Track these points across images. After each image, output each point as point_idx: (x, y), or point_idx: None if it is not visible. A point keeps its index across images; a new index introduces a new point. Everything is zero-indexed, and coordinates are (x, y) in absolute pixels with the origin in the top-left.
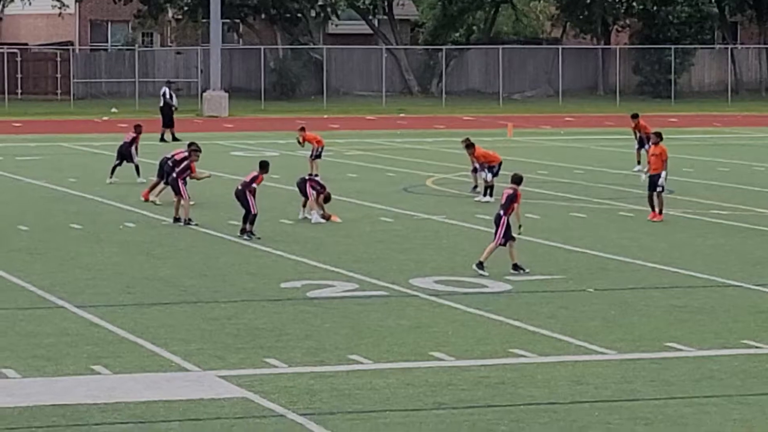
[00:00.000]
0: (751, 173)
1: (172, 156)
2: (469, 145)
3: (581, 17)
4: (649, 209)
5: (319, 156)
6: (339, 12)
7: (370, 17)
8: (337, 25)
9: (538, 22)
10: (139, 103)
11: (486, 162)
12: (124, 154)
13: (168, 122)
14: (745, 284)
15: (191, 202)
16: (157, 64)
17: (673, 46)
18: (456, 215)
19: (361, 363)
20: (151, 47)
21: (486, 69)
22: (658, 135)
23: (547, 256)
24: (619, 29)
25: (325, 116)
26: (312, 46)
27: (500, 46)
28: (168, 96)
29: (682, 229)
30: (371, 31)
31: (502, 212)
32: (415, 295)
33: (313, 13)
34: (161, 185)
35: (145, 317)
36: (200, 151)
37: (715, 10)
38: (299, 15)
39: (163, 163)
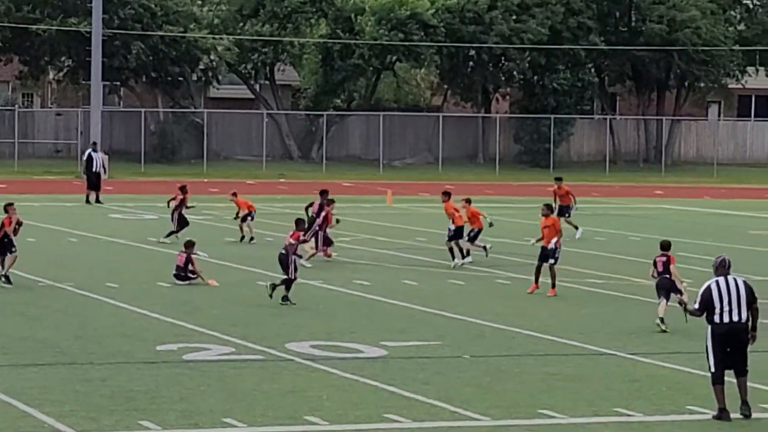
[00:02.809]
0: (628, 243)
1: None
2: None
3: (462, 85)
4: (533, 280)
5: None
6: (220, 76)
7: (252, 82)
8: (218, 89)
9: (419, 89)
10: (18, 164)
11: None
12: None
13: (92, 185)
14: (620, 353)
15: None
16: (36, 125)
17: (552, 116)
18: (334, 280)
19: (236, 426)
20: (31, 108)
21: (366, 135)
22: (549, 207)
23: (423, 322)
24: (500, 98)
25: (205, 180)
26: (193, 110)
27: (381, 113)
28: (86, 159)
29: (558, 298)
30: (252, 96)
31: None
32: (291, 359)
33: (194, 77)
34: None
35: (20, 378)
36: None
37: (595, 79)
38: (180, 78)
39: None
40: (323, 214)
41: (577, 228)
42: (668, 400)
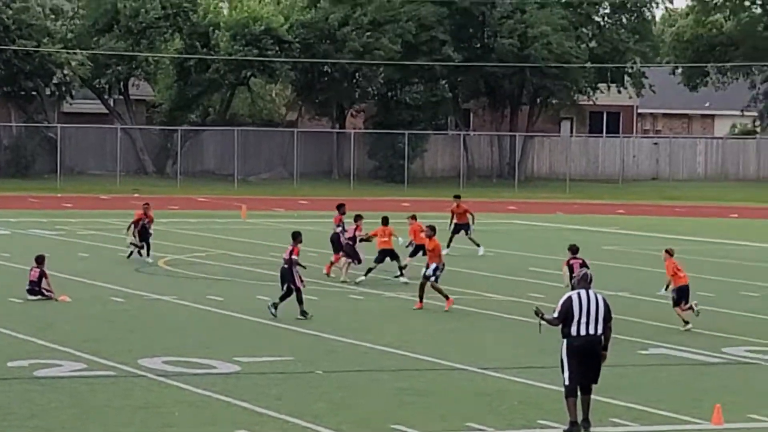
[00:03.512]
0: (481, 258)
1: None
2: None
3: (317, 101)
4: (417, 298)
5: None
6: (74, 91)
7: (106, 96)
8: (72, 104)
9: (274, 105)
10: None
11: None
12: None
13: None
14: (471, 367)
15: None
16: None
17: (406, 132)
18: (187, 296)
19: None
20: None
21: (221, 151)
22: (432, 228)
23: (276, 337)
24: (354, 113)
25: (59, 195)
26: (47, 125)
27: (236, 128)
28: None
29: (411, 313)
30: (107, 111)
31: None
32: (144, 375)
33: (48, 92)
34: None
35: None
36: None
37: (449, 95)
38: (34, 93)
39: (334, 239)
40: (353, 228)
41: (478, 246)
42: (519, 414)
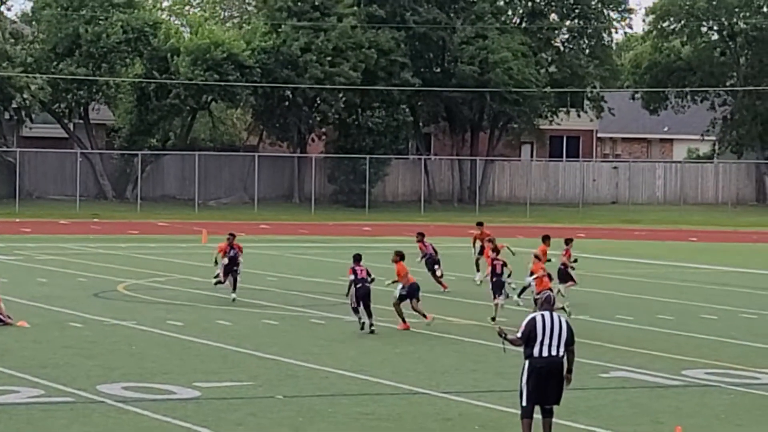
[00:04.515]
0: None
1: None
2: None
3: (278, 126)
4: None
5: None
6: (33, 115)
7: (66, 121)
8: (31, 129)
9: (234, 129)
10: None
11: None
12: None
13: None
14: (432, 392)
15: None
16: None
17: (368, 156)
18: (146, 321)
19: None
20: None
21: (182, 175)
22: (400, 254)
23: (237, 362)
24: (315, 138)
25: (17, 220)
26: (5, 149)
27: (196, 153)
28: None
29: (371, 337)
30: (66, 135)
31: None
32: (102, 401)
33: (7, 116)
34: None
35: None
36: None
37: (410, 118)
38: None
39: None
40: (563, 253)
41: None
42: None
